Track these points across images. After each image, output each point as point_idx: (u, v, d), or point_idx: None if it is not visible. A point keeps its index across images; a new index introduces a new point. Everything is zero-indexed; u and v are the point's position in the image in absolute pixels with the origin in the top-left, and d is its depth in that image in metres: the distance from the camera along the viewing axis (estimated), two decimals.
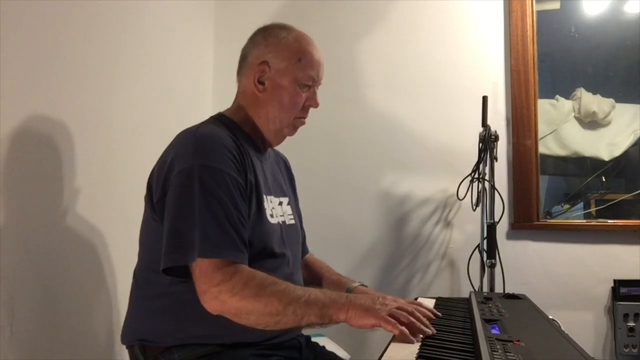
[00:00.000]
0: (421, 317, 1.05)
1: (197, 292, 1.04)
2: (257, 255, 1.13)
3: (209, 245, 1.03)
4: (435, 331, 1.03)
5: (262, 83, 1.24)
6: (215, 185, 1.07)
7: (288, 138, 1.33)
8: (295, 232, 1.33)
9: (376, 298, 1.07)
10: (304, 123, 1.30)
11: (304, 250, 1.48)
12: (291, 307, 1.01)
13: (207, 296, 1.03)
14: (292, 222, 1.33)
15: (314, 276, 1.45)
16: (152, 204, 1.16)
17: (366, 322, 1.00)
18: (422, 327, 1.01)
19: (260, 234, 1.16)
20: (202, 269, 1.03)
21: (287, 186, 1.41)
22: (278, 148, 1.41)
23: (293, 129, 1.29)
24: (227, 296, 1.01)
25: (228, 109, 1.31)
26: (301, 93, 1.24)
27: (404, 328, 0.99)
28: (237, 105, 1.30)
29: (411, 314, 1.03)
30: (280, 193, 1.33)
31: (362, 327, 1.01)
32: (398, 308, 1.04)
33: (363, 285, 1.38)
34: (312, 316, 1.01)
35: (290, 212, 1.34)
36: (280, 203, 1.31)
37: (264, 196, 1.21)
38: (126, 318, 1.22)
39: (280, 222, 1.26)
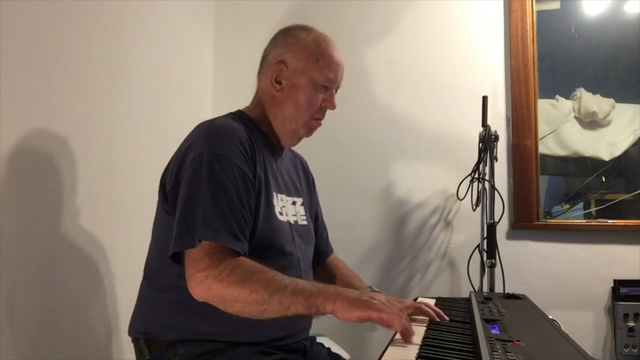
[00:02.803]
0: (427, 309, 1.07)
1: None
2: (266, 252, 1.12)
3: (209, 230, 1.02)
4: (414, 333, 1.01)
5: (279, 82, 1.23)
6: (222, 173, 1.07)
7: None
8: (306, 233, 1.31)
9: (365, 293, 1.04)
10: (320, 124, 1.29)
11: (328, 250, 1.48)
12: (277, 296, 0.98)
13: (193, 281, 1.00)
14: (305, 222, 1.31)
15: (328, 276, 1.43)
16: (165, 194, 1.16)
17: (352, 314, 0.98)
18: (410, 327, 0.99)
19: (268, 230, 1.15)
20: (190, 254, 1.02)
21: (304, 187, 1.39)
22: None
23: (309, 129, 1.28)
24: (212, 282, 0.99)
25: (247, 107, 1.30)
26: (317, 94, 1.23)
27: (388, 318, 0.97)
28: (255, 104, 1.29)
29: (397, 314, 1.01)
30: (294, 193, 1.31)
31: (348, 320, 0.99)
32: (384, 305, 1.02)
33: (373, 290, 1.32)
34: (299, 306, 0.99)
35: (303, 212, 1.32)
36: (294, 203, 1.29)
37: (274, 193, 1.20)
38: (134, 311, 1.21)
39: (292, 222, 1.25)
